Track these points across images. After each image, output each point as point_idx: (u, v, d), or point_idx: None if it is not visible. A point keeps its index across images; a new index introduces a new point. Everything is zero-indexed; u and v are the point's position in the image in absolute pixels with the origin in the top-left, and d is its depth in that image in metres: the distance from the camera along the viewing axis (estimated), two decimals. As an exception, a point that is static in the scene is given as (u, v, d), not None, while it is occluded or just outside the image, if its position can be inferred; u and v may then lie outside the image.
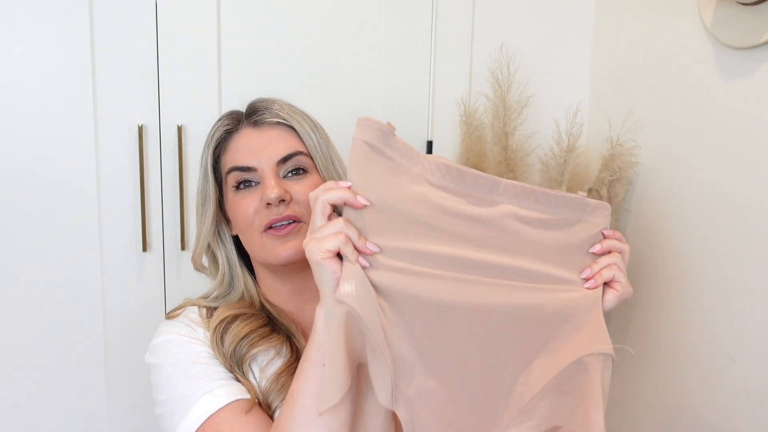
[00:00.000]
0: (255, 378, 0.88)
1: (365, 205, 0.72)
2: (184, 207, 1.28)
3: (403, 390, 0.74)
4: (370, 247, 0.72)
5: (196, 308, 0.95)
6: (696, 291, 1.16)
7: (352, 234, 0.72)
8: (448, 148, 1.43)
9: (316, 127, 0.95)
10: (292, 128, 0.93)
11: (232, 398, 0.82)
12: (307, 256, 0.72)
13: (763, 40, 0.99)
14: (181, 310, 0.95)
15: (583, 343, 0.76)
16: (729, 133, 1.08)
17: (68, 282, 1.26)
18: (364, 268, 0.72)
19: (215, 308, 0.95)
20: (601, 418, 0.74)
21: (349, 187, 0.72)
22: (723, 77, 1.09)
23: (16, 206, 1.22)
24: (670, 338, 1.22)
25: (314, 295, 0.96)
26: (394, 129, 0.74)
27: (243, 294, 0.97)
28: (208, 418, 0.80)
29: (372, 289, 0.72)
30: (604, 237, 0.80)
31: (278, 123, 0.93)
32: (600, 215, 0.79)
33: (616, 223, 1.36)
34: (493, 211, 0.75)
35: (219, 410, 0.80)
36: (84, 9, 1.19)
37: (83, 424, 1.30)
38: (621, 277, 0.79)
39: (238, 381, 0.86)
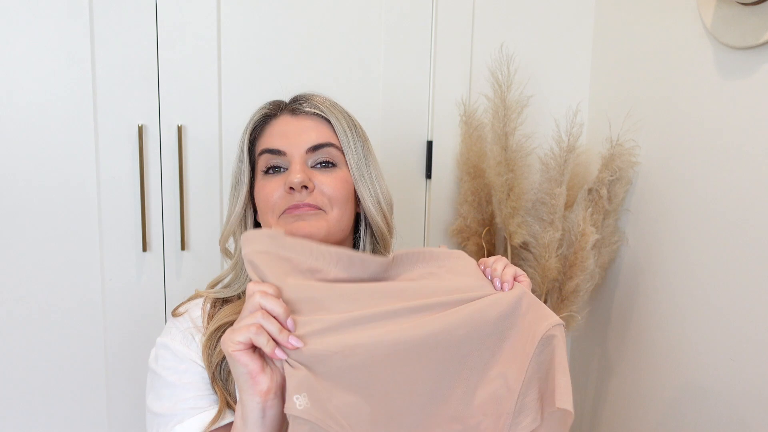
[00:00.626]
0: (238, 391, 0.88)
1: (291, 329, 0.71)
2: (184, 207, 1.28)
3: None
4: (293, 341, 0.70)
5: (201, 303, 0.96)
6: (696, 290, 1.16)
7: (271, 327, 0.70)
8: (448, 148, 1.43)
9: (354, 125, 0.95)
10: (329, 121, 0.94)
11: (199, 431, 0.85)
12: (221, 347, 0.71)
13: (763, 40, 0.99)
14: (188, 305, 0.96)
15: (535, 325, 0.78)
16: (729, 133, 1.08)
17: (68, 282, 1.26)
18: (281, 359, 0.70)
19: (223, 301, 0.95)
20: (568, 381, 0.76)
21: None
22: (723, 77, 1.09)
23: (16, 206, 1.22)
24: (669, 338, 1.22)
25: None
26: (283, 231, 0.77)
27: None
28: None
29: (320, 387, 0.70)
30: (480, 263, 0.86)
31: (315, 114, 0.94)
32: (461, 256, 0.85)
33: (616, 223, 1.36)
34: (391, 283, 0.79)
35: None
36: (84, 9, 1.19)
37: (84, 424, 1.30)
38: (518, 270, 0.84)
39: (216, 392, 0.87)
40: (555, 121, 1.33)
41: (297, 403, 0.68)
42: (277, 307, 0.70)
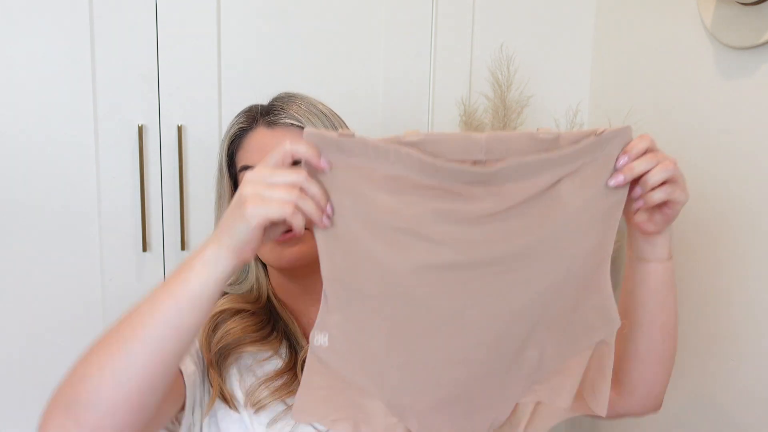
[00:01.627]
0: (237, 377, 0.88)
1: (324, 168, 0.63)
2: (184, 207, 1.28)
3: (408, 407, 0.72)
4: (329, 211, 0.64)
5: None
6: (695, 291, 1.16)
7: (308, 208, 0.61)
8: (448, 148, 1.43)
9: (334, 127, 0.93)
10: None
11: None
12: (246, 213, 0.61)
13: (763, 40, 0.99)
14: None
15: (594, 321, 0.71)
16: (729, 133, 1.08)
17: (68, 282, 1.26)
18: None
19: (224, 294, 0.95)
20: (608, 389, 0.74)
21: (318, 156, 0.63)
22: (723, 77, 1.09)
23: (16, 206, 1.21)
24: (670, 338, 1.22)
25: (320, 297, 0.97)
26: (352, 133, 0.63)
27: (253, 287, 0.97)
28: None
29: (350, 330, 0.68)
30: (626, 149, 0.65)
31: (292, 125, 0.92)
32: (619, 142, 0.65)
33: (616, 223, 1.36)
34: (488, 173, 0.61)
35: None
36: (84, 9, 1.19)
37: (83, 424, 1.30)
38: (676, 173, 0.65)
39: (209, 381, 0.87)
40: (555, 121, 1.33)
41: (316, 338, 0.68)
42: (315, 190, 0.62)
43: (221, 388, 0.85)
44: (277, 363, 0.90)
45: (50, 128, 1.21)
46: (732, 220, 1.08)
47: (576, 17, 1.46)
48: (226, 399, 0.86)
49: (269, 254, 0.91)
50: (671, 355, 0.82)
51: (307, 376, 0.70)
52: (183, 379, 0.82)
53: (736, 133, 1.07)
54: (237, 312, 0.91)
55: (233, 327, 0.89)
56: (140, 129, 1.24)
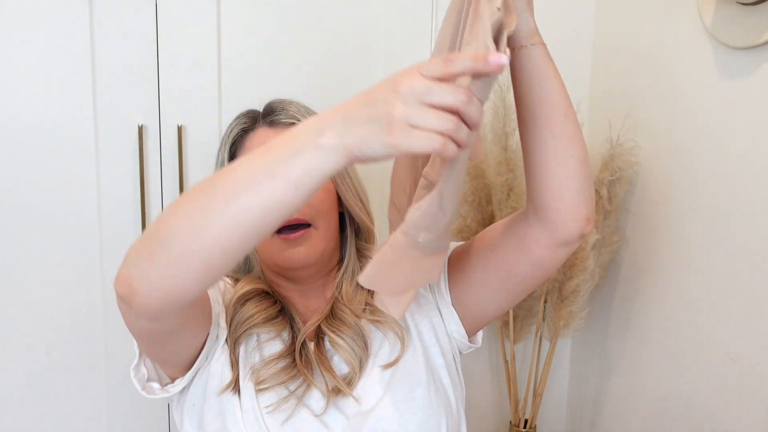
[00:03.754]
0: (244, 352, 0.91)
1: (503, 65, 0.51)
2: (184, 207, 1.28)
3: None
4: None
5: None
6: (696, 291, 1.16)
7: (474, 114, 0.51)
8: (448, 148, 1.43)
9: None
10: None
11: None
12: (390, 114, 0.52)
13: (763, 40, 0.99)
14: None
15: None
16: (729, 133, 1.08)
17: (68, 282, 1.26)
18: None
19: (237, 279, 0.98)
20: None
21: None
22: (723, 77, 1.09)
23: (16, 206, 1.21)
24: (670, 338, 1.22)
25: (317, 291, 0.97)
26: None
27: (261, 276, 1.00)
28: None
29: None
30: None
31: (293, 124, 0.93)
32: None
33: (616, 223, 1.36)
34: None
35: None
36: (84, 9, 1.19)
37: (83, 424, 1.30)
38: None
39: (231, 355, 0.90)
40: (555, 121, 1.32)
41: (421, 236, 0.64)
42: (475, 114, 0.52)
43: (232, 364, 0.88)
44: (278, 345, 0.91)
45: (50, 128, 1.21)
46: (731, 219, 1.08)
47: (576, 17, 1.46)
48: (237, 379, 0.88)
49: (275, 254, 0.91)
50: (579, 146, 0.80)
51: (396, 260, 0.65)
52: (210, 310, 0.87)
53: (736, 133, 1.07)
54: (258, 293, 0.93)
55: (249, 310, 0.91)
56: (140, 129, 1.24)
